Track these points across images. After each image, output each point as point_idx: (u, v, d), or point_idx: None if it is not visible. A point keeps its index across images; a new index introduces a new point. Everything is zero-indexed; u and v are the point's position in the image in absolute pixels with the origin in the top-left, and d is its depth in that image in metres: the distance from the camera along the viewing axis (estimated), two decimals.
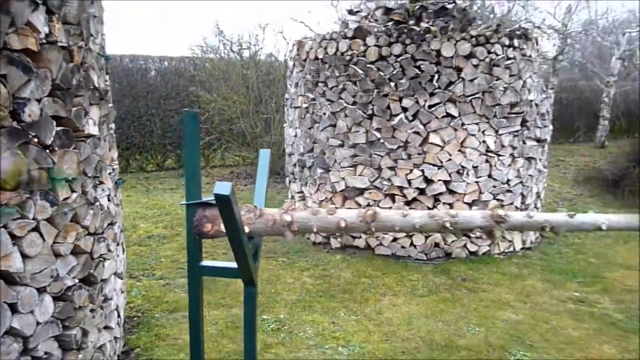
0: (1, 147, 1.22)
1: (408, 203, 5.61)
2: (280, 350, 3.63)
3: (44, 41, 2.37)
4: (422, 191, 5.57)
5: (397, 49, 5.50)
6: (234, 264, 1.88)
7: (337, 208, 1.88)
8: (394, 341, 3.78)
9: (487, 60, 5.49)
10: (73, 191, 2.57)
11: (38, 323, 2.40)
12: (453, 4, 6.01)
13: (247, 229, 1.83)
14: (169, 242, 6.19)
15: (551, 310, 4.37)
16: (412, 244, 5.65)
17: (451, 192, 5.56)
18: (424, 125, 5.50)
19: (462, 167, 5.55)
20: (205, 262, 1.97)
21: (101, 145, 3.02)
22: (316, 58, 6.04)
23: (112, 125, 3.48)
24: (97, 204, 2.90)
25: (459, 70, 5.46)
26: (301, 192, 6.55)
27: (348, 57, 5.72)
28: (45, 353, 2.46)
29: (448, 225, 1.76)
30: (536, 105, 6.04)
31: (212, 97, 10.56)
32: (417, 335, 3.88)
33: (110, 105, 3.40)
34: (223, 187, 1.37)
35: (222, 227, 1.82)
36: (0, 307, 2.19)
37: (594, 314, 4.31)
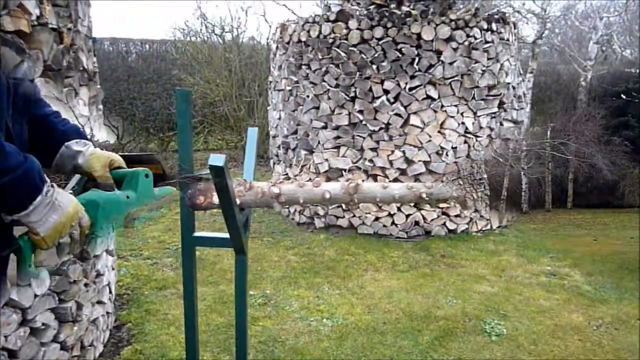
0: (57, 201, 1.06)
1: None
2: (267, 322, 3.78)
3: (35, 23, 2.43)
4: (403, 171, 5.73)
5: (378, 32, 5.60)
6: (225, 235, 2.01)
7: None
8: (376, 313, 3.97)
9: (466, 43, 5.64)
10: None
11: (36, 296, 2.50)
12: None
13: (238, 201, 1.95)
14: (154, 224, 6.27)
15: (524, 283, 4.60)
16: (393, 222, 5.83)
17: (431, 172, 5.73)
18: (405, 107, 5.64)
19: (442, 147, 5.72)
20: (198, 233, 2.10)
21: (91, 125, 3.10)
22: (299, 41, 6.12)
23: (101, 106, 3.55)
24: None
25: (439, 53, 5.60)
26: (286, 173, 6.67)
27: (331, 40, 5.81)
28: (43, 324, 2.57)
29: (424, 195, 1.90)
30: (513, 87, 6.22)
31: (194, 80, 10.55)
32: (398, 307, 4.07)
33: (99, 86, 3.47)
34: (217, 159, 1.45)
35: (214, 199, 1.92)
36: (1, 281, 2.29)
37: (564, 286, 4.55)
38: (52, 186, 1.07)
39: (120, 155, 1.32)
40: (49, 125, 1.32)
